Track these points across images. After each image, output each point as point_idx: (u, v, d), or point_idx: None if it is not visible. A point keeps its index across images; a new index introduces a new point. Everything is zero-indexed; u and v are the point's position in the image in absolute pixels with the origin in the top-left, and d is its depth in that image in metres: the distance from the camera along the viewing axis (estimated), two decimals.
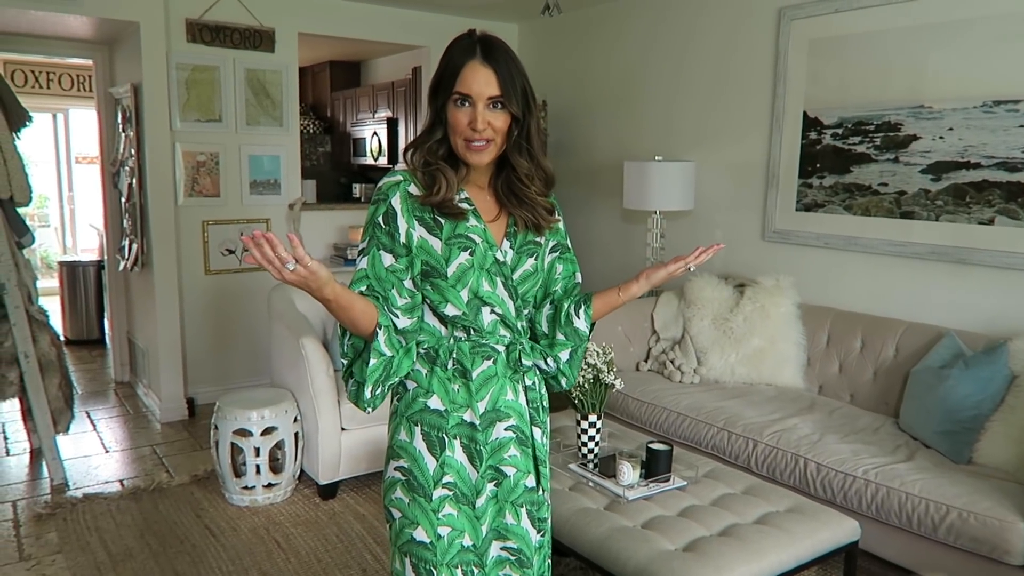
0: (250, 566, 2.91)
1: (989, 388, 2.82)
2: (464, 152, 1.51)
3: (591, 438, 2.71)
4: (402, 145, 6.56)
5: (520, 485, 1.60)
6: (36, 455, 3.93)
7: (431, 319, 1.56)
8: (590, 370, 2.67)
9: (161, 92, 4.30)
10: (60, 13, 3.95)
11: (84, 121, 8.16)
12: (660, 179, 4.12)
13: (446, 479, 1.53)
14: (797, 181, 3.89)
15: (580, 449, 2.74)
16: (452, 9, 5.12)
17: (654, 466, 2.57)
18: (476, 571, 1.56)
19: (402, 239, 1.50)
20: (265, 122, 4.74)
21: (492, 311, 1.55)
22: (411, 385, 1.56)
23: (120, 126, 4.67)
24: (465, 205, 1.54)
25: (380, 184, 1.55)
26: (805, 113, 3.82)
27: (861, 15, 3.55)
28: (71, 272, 6.32)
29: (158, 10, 4.21)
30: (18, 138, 3.66)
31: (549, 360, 1.68)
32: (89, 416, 4.59)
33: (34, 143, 8.36)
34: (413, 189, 1.52)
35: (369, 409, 1.51)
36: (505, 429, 1.58)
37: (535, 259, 1.61)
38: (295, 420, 3.46)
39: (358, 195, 7.09)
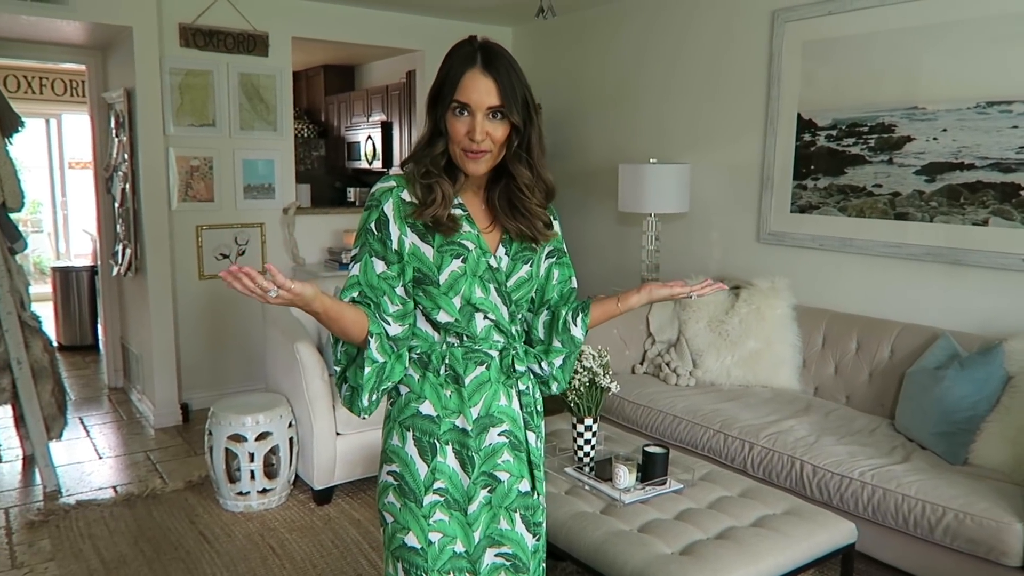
0: (245, 572, 2.89)
1: (985, 389, 2.82)
2: (461, 161, 1.49)
3: (587, 441, 2.70)
4: (396, 148, 6.55)
5: (514, 490, 1.59)
6: (29, 462, 3.91)
7: (423, 324, 1.55)
8: (586, 373, 2.66)
9: (154, 97, 4.29)
10: (53, 18, 3.93)
11: (77, 126, 8.13)
12: (655, 181, 4.12)
13: (437, 485, 1.52)
14: (792, 183, 3.89)
15: (576, 452, 2.73)
16: (446, 13, 5.12)
17: (650, 469, 2.56)
18: None
19: (394, 246, 1.49)
20: (259, 126, 4.73)
21: (485, 317, 1.54)
22: (404, 390, 1.55)
23: (113, 131, 4.66)
24: (459, 211, 1.53)
25: (373, 190, 1.54)
26: (799, 115, 3.82)
27: (854, 17, 3.55)
28: (64, 277, 6.30)
29: (151, 15, 4.19)
30: (10, 144, 3.65)
31: (544, 364, 1.67)
32: (82, 422, 4.57)
33: (27, 148, 8.34)
34: (406, 195, 1.50)
35: (364, 415, 1.51)
36: (498, 434, 1.57)
37: (530, 265, 1.60)
38: (290, 425, 3.44)
39: (353, 199, 7.08)
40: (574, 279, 1.74)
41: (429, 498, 1.52)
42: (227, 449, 3.34)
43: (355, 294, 1.48)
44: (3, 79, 7.30)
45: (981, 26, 3.13)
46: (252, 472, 3.35)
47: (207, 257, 4.66)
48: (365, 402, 1.48)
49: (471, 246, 1.51)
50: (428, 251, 1.50)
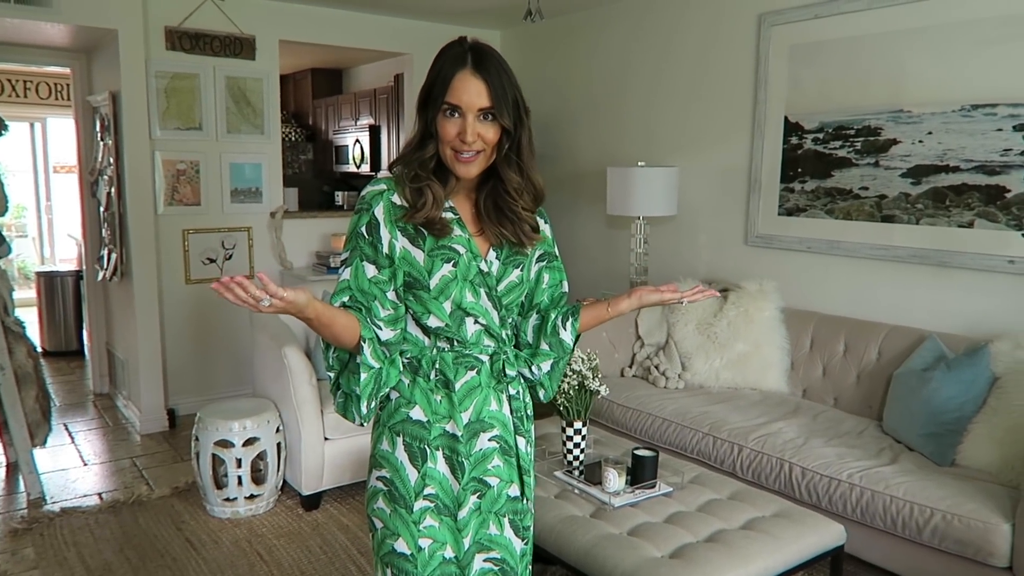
0: None
1: (971, 390, 2.83)
2: (452, 163, 1.48)
3: (576, 445, 2.70)
4: (384, 152, 6.54)
5: (503, 495, 1.58)
6: (12, 469, 3.87)
7: (414, 329, 1.54)
8: (575, 377, 2.66)
9: (140, 100, 4.26)
10: (37, 21, 3.90)
11: (62, 130, 8.07)
12: (643, 185, 4.13)
13: (427, 490, 1.51)
14: (779, 186, 3.91)
15: (565, 456, 2.72)
16: (434, 16, 5.12)
17: (640, 472, 2.56)
18: None
19: (385, 249, 1.48)
20: (246, 130, 4.71)
21: (476, 321, 1.53)
22: (394, 395, 1.54)
23: (98, 135, 4.62)
24: (450, 215, 1.52)
25: (363, 193, 1.52)
26: (786, 118, 3.84)
27: (840, 21, 3.57)
28: (49, 283, 6.24)
29: (136, 18, 4.17)
30: None
31: (533, 368, 1.67)
32: (67, 428, 4.52)
33: (11, 152, 8.27)
34: (396, 199, 1.49)
35: (363, 423, 1.50)
36: (489, 440, 1.56)
37: (521, 270, 1.59)
38: (277, 430, 3.42)
39: (341, 203, 7.05)
40: (565, 283, 1.72)
41: (419, 504, 1.51)
42: (214, 455, 3.31)
43: (346, 299, 1.47)
44: None
45: (965, 30, 3.15)
46: (239, 478, 3.33)
47: (194, 261, 4.63)
48: (364, 409, 1.47)
49: (462, 250, 1.50)
50: (419, 255, 1.48)
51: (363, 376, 1.44)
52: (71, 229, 7.66)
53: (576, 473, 2.68)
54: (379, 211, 1.48)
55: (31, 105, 7.66)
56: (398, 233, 1.48)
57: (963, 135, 3.18)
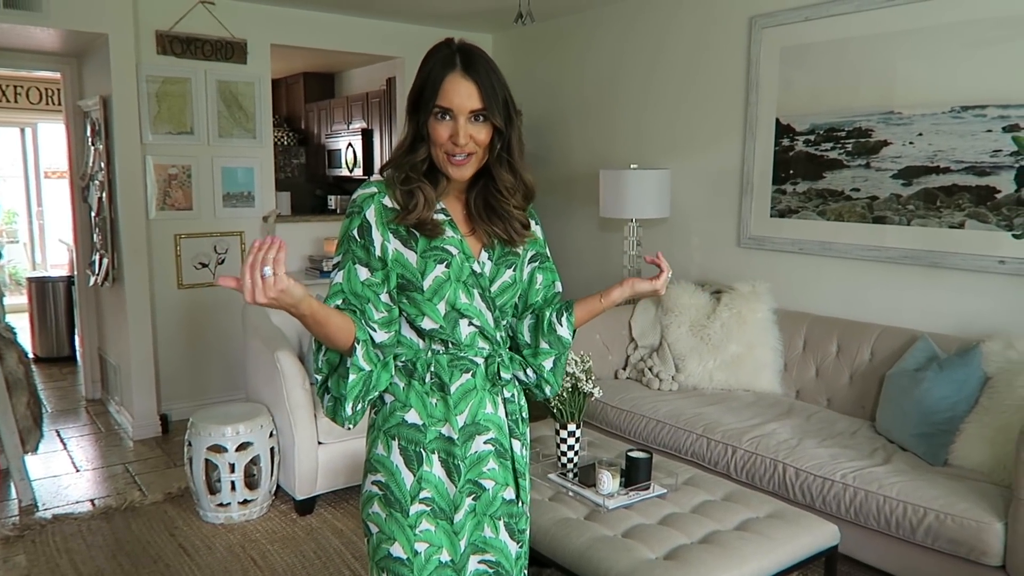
0: None
1: (963, 390, 2.85)
2: (446, 166, 1.48)
3: (570, 447, 2.69)
4: (377, 156, 6.53)
5: (499, 498, 1.58)
6: (4, 476, 3.84)
7: (408, 332, 1.54)
8: (568, 379, 2.66)
9: (131, 105, 4.24)
10: (27, 26, 3.89)
11: (53, 135, 8.04)
12: (636, 187, 4.14)
13: (423, 494, 1.51)
14: (771, 187, 3.92)
15: (559, 459, 2.72)
16: (426, 20, 5.12)
17: (634, 474, 2.56)
18: None
19: (377, 252, 1.47)
20: (238, 134, 4.70)
21: (470, 323, 1.53)
22: (389, 399, 1.54)
23: (89, 139, 4.61)
24: (441, 216, 1.52)
25: (355, 196, 1.52)
26: (778, 120, 3.86)
27: (830, 23, 3.59)
28: (40, 288, 6.21)
29: (127, 22, 4.15)
30: None
31: (529, 371, 1.67)
32: (59, 435, 4.50)
33: (2, 158, 8.23)
34: (388, 201, 1.49)
35: (349, 426, 1.48)
36: (484, 442, 1.56)
37: (513, 270, 1.59)
38: (271, 435, 3.41)
39: (333, 207, 7.05)
40: (558, 283, 1.73)
41: (415, 508, 1.50)
42: (207, 460, 3.30)
43: (339, 302, 1.46)
44: None
45: (955, 32, 3.17)
46: (233, 483, 3.31)
47: (186, 266, 4.62)
48: (348, 411, 1.46)
49: (454, 251, 1.50)
50: (411, 257, 1.48)
51: (351, 378, 1.43)
52: (62, 234, 7.62)
53: (570, 475, 2.68)
54: (370, 214, 1.48)
55: (22, 110, 7.63)
56: (390, 235, 1.48)
57: (953, 136, 3.20)
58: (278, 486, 3.53)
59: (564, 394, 2.65)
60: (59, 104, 6.30)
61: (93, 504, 3.56)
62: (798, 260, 3.85)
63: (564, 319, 1.65)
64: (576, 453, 2.71)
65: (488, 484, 1.56)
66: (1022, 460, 2.35)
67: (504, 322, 1.62)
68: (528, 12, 3.82)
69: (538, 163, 5.24)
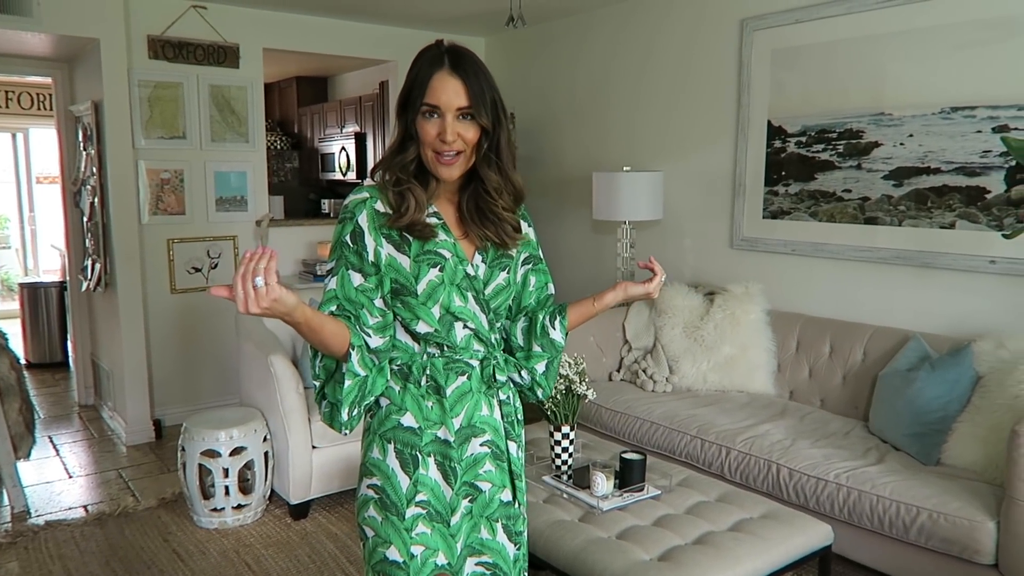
0: None
1: (955, 389, 2.86)
2: (434, 166, 1.48)
3: (564, 449, 2.70)
4: (370, 160, 6.53)
5: (495, 500, 1.58)
6: None
7: (403, 336, 1.54)
8: (562, 381, 2.66)
9: (123, 109, 4.23)
10: (18, 31, 3.88)
11: (45, 140, 8.02)
12: (629, 189, 4.15)
13: (419, 497, 1.51)
14: (763, 189, 3.93)
15: (554, 461, 2.72)
16: (419, 23, 5.13)
17: (628, 476, 2.57)
18: None
19: (370, 257, 1.47)
20: (231, 138, 4.69)
21: (465, 326, 1.53)
22: (384, 402, 1.54)
23: (81, 144, 4.59)
24: (434, 220, 1.52)
25: (346, 202, 1.52)
26: (769, 122, 3.87)
27: (821, 25, 3.61)
28: (32, 294, 6.19)
29: (119, 27, 4.15)
30: None
31: (524, 372, 1.67)
32: (52, 441, 4.48)
33: None
34: (380, 206, 1.49)
35: (346, 431, 1.48)
36: (480, 445, 1.56)
37: (507, 272, 1.60)
38: (265, 439, 3.40)
39: (327, 210, 7.04)
40: (551, 285, 1.73)
41: (411, 511, 1.50)
42: (201, 465, 3.29)
43: (333, 308, 1.46)
44: None
45: (944, 33, 3.19)
46: (227, 488, 3.31)
47: (179, 271, 4.61)
48: (344, 416, 1.46)
49: (448, 255, 1.51)
50: (405, 261, 1.48)
51: (347, 383, 1.43)
52: (54, 240, 7.60)
53: (564, 477, 2.68)
54: (363, 219, 1.48)
55: (13, 115, 7.60)
56: (383, 240, 1.48)
57: (943, 137, 3.22)
58: (272, 491, 3.52)
59: (558, 396, 2.65)
60: (51, 109, 6.28)
61: (86, 510, 3.55)
62: (791, 261, 3.87)
63: (557, 323, 1.66)
64: (570, 455, 2.71)
65: (484, 486, 1.56)
66: (1014, 459, 2.36)
67: (498, 324, 1.63)
68: (520, 15, 3.83)
69: (531, 166, 5.25)
